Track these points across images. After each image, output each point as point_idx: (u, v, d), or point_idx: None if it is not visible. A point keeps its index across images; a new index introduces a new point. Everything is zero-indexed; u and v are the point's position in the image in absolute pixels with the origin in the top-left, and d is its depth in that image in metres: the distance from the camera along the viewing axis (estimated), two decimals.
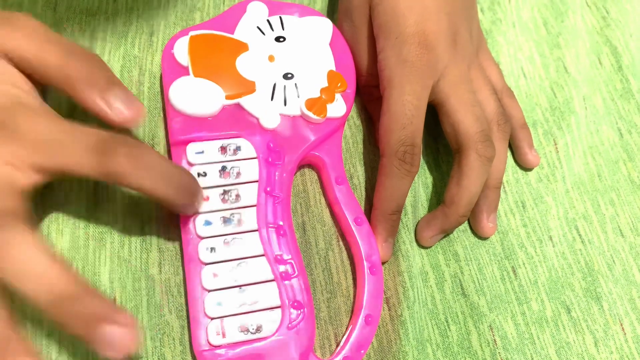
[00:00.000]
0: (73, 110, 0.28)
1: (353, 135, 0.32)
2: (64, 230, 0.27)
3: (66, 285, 0.21)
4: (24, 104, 0.24)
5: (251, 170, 0.28)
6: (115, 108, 0.24)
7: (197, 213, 0.26)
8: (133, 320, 0.21)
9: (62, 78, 0.24)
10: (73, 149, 0.22)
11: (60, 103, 0.28)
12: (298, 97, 0.29)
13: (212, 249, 0.26)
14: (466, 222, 0.33)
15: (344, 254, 0.29)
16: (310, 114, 0.29)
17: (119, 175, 0.22)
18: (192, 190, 0.24)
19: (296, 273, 0.27)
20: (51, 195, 0.27)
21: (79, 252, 0.27)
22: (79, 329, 0.21)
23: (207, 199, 0.27)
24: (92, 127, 0.23)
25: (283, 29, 0.31)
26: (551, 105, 0.38)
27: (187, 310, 0.26)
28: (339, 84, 0.30)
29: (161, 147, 0.29)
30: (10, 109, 0.23)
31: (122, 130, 0.27)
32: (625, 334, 0.32)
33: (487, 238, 0.33)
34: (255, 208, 0.27)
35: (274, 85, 0.29)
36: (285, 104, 0.29)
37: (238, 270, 0.26)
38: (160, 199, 0.23)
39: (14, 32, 0.24)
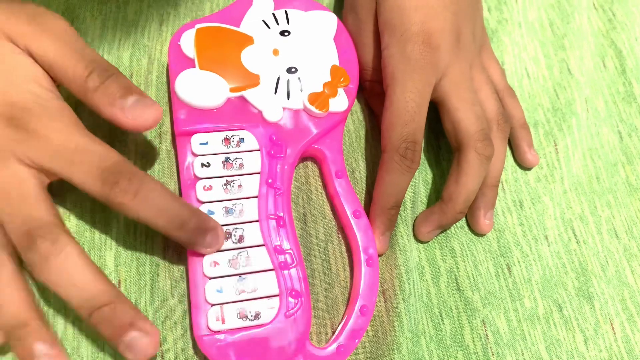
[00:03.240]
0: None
1: (356, 129, 0.33)
2: (71, 214, 0.28)
3: (104, 296, 0.23)
4: (44, 106, 0.25)
5: (254, 162, 0.28)
6: (128, 112, 0.25)
7: (200, 252, 0.26)
8: (156, 330, 0.24)
9: (80, 89, 0.25)
10: (80, 170, 0.24)
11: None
12: (301, 91, 0.30)
13: None
14: (463, 218, 0.34)
15: (343, 246, 0.30)
16: (312, 108, 0.29)
17: (118, 206, 0.24)
18: (188, 224, 0.25)
19: (295, 263, 0.27)
20: (59, 183, 0.28)
21: (85, 235, 0.27)
22: (111, 334, 0.23)
23: (210, 188, 0.27)
24: (103, 143, 0.25)
25: (288, 23, 0.31)
26: (553, 106, 0.38)
27: (189, 296, 0.27)
28: (342, 79, 0.31)
29: (167, 136, 0.30)
30: (30, 110, 0.24)
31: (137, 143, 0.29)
32: (615, 333, 0.33)
33: (484, 235, 0.34)
34: (256, 199, 0.28)
35: (278, 78, 0.30)
36: (288, 98, 0.30)
37: (238, 259, 0.27)
38: (155, 229, 0.25)
39: (41, 32, 0.25)
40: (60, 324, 0.26)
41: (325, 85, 0.30)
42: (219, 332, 0.26)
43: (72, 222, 0.28)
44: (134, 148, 0.29)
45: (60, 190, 0.28)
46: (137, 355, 0.23)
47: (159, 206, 0.24)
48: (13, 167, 0.24)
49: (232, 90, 0.29)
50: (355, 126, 0.33)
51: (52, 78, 0.26)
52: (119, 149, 0.29)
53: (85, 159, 0.24)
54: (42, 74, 0.26)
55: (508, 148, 0.36)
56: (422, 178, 0.34)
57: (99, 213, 0.28)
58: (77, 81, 0.25)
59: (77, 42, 0.26)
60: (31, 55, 0.26)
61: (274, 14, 0.31)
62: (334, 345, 0.27)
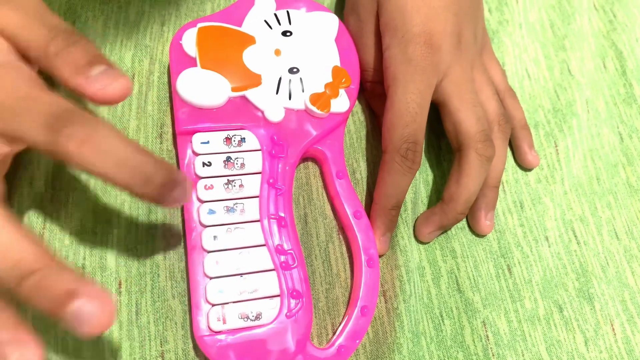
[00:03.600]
0: None
1: (357, 130, 0.33)
2: (72, 214, 0.28)
3: (31, 259, 0.19)
4: None
5: (255, 161, 0.28)
6: (96, 82, 0.22)
7: (164, 207, 0.23)
8: (105, 293, 0.19)
9: (42, 55, 0.23)
10: (24, 119, 0.21)
11: None
12: (303, 91, 0.30)
13: (215, 237, 0.27)
14: (464, 219, 0.34)
15: (344, 246, 0.30)
16: (314, 108, 0.29)
17: (66, 156, 0.20)
18: (154, 178, 0.21)
19: (296, 263, 0.27)
20: (61, 180, 0.28)
21: (87, 236, 0.27)
22: (48, 307, 0.19)
23: (212, 187, 0.27)
24: (57, 94, 0.22)
25: (290, 24, 0.31)
26: (554, 107, 0.38)
27: (189, 296, 0.27)
28: (343, 80, 0.31)
29: (169, 136, 0.30)
30: None
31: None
32: (615, 334, 0.33)
33: (484, 236, 0.34)
34: (257, 199, 0.28)
35: (280, 79, 0.30)
36: (290, 98, 0.30)
37: (239, 259, 0.27)
38: (118, 187, 0.21)
39: (5, 6, 0.23)
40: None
41: (326, 85, 0.30)
42: (220, 332, 0.26)
43: (73, 222, 0.28)
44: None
45: (63, 191, 0.28)
46: (88, 328, 0.19)
47: (117, 156, 0.20)
48: None
49: (233, 89, 0.29)
50: (356, 127, 0.33)
51: (18, 52, 0.24)
52: None
53: (31, 108, 0.21)
54: (3, 43, 0.23)
55: (509, 149, 0.36)
56: (423, 179, 0.34)
57: (101, 213, 0.28)
58: (39, 48, 0.23)
59: (40, 9, 0.23)
60: None
61: (275, 14, 0.31)
62: (335, 346, 0.27)
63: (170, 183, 0.21)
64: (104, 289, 0.20)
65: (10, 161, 0.24)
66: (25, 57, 0.24)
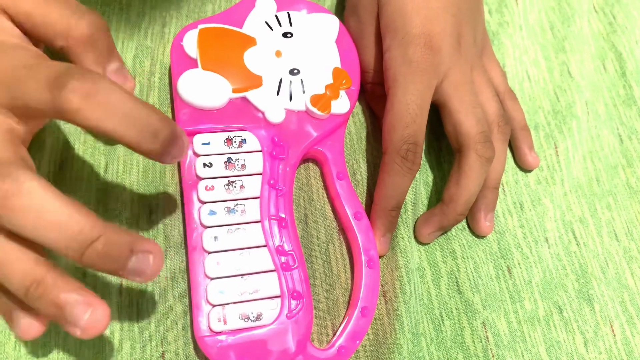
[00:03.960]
0: None
1: (358, 131, 0.33)
2: None
3: (90, 229, 0.20)
4: (6, 46, 0.23)
5: (255, 162, 0.28)
6: (110, 78, 0.23)
7: (164, 163, 0.23)
8: (157, 246, 0.21)
9: (63, 37, 0.23)
10: (28, 84, 0.20)
11: None
12: (303, 92, 0.30)
13: (216, 238, 0.27)
14: (464, 220, 0.34)
15: (344, 247, 0.30)
16: (314, 109, 0.29)
17: (70, 114, 0.20)
18: (161, 133, 0.21)
19: (296, 264, 0.27)
20: (61, 181, 0.28)
21: None
22: (112, 268, 0.21)
23: (212, 188, 0.27)
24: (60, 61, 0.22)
25: (291, 25, 0.31)
26: (554, 109, 0.38)
27: (190, 297, 0.27)
28: (344, 81, 0.31)
29: None
30: None
31: None
32: (614, 335, 0.33)
33: (484, 237, 0.34)
34: (258, 200, 0.28)
35: (280, 80, 0.30)
36: (290, 99, 0.30)
37: (240, 260, 0.27)
38: (123, 143, 0.21)
39: None
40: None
41: (327, 87, 0.30)
42: (220, 332, 0.26)
43: None
44: None
45: (63, 193, 0.28)
46: (147, 277, 0.21)
47: (123, 110, 0.20)
48: None
49: (234, 91, 0.29)
50: (357, 128, 0.33)
51: (32, 36, 0.24)
52: (120, 148, 0.29)
53: (34, 72, 0.21)
54: (9, 24, 0.24)
55: (508, 150, 0.36)
56: (423, 180, 0.35)
57: (101, 214, 0.28)
58: (59, 26, 0.23)
59: None
60: (6, 11, 0.23)
61: (276, 16, 0.31)
62: (336, 346, 0.28)
63: (174, 138, 0.21)
64: (152, 241, 0.21)
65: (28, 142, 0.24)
66: (39, 36, 0.24)
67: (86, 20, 0.24)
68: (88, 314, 0.20)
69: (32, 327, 0.22)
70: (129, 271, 0.21)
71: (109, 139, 0.21)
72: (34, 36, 0.24)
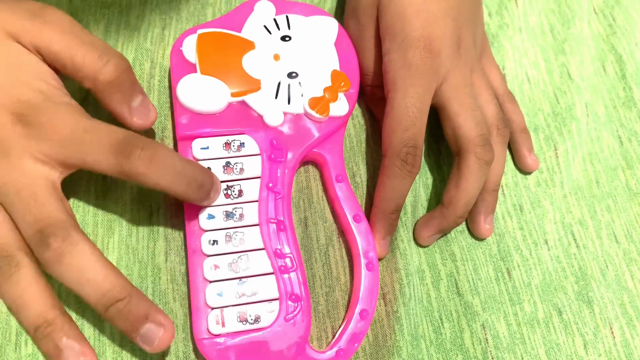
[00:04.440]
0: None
1: (357, 134, 0.33)
2: None
3: (118, 291, 0.24)
4: (52, 101, 0.25)
5: (254, 166, 0.28)
6: (134, 114, 0.26)
7: (203, 206, 0.27)
8: (170, 321, 0.24)
9: (91, 80, 0.26)
10: (93, 148, 0.24)
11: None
12: (302, 95, 0.30)
13: (214, 242, 0.27)
14: (464, 223, 0.34)
15: (344, 250, 0.30)
16: (313, 112, 0.30)
17: (136, 176, 0.24)
18: (205, 185, 0.25)
19: (295, 267, 0.28)
20: (62, 183, 0.28)
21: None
22: (126, 327, 0.24)
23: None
24: (111, 124, 0.25)
25: (289, 28, 0.32)
26: (553, 111, 0.38)
27: (190, 299, 0.27)
28: (343, 84, 0.31)
29: (170, 140, 0.30)
30: (39, 106, 0.25)
31: None
32: (614, 337, 0.33)
33: (484, 239, 0.34)
34: (257, 203, 0.28)
35: (279, 83, 0.30)
36: (289, 102, 0.30)
37: (239, 263, 0.27)
38: (175, 195, 0.25)
39: (45, 26, 0.26)
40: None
41: (325, 89, 0.30)
42: (219, 335, 0.26)
43: None
44: None
45: (64, 194, 0.28)
46: (153, 346, 0.24)
47: (176, 170, 0.24)
48: (26, 165, 0.24)
49: (233, 95, 0.29)
50: (356, 130, 0.33)
51: (60, 71, 0.26)
52: None
53: (96, 137, 0.24)
54: (49, 72, 0.26)
55: (508, 152, 0.36)
56: (423, 182, 0.35)
57: (101, 217, 0.28)
58: (87, 71, 0.25)
59: (84, 33, 0.26)
60: (38, 50, 0.26)
61: (275, 19, 0.32)
62: (334, 349, 0.28)
63: (214, 187, 0.26)
64: (168, 317, 0.25)
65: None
66: (67, 75, 0.26)
67: (112, 65, 0.26)
68: None
69: None
70: (140, 336, 0.24)
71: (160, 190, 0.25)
72: (62, 73, 0.27)
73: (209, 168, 0.27)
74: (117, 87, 0.26)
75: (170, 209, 0.29)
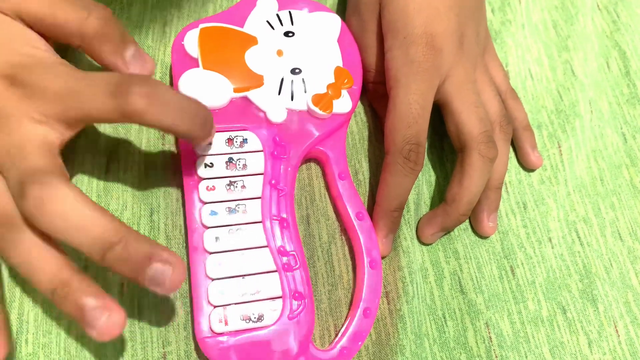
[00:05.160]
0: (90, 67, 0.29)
1: (360, 131, 0.33)
2: None
3: (111, 233, 0.22)
4: (42, 62, 0.24)
5: (257, 162, 0.28)
6: (130, 65, 0.25)
7: (203, 148, 0.27)
8: (179, 258, 0.22)
9: (77, 36, 0.25)
10: (91, 95, 0.23)
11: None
12: (305, 92, 0.30)
13: (217, 239, 0.27)
14: (467, 220, 0.34)
15: (347, 247, 0.30)
16: (316, 109, 0.29)
17: (137, 114, 0.22)
18: (209, 119, 0.24)
19: (298, 265, 0.27)
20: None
21: None
22: (130, 272, 0.22)
23: (214, 188, 0.27)
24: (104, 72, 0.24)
25: (292, 24, 0.31)
26: (557, 108, 0.38)
27: (191, 298, 0.27)
28: (346, 80, 0.31)
29: (170, 137, 0.30)
30: (29, 67, 0.24)
31: None
32: (619, 336, 0.32)
33: (487, 237, 0.33)
34: (259, 200, 0.28)
35: (282, 79, 0.30)
36: (292, 99, 0.29)
37: (241, 260, 0.27)
38: (179, 133, 0.23)
39: None
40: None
41: (329, 86, 0.30)
42: (221, 334, 0.26)
43: None
44: (137, 148, 0.29)
45: None
46: (165, 288, 0.22)
47: (178, 105, 0.23)
48: (24, 128, 0.23)
49: (235, 90, 0.29)
50: (359, 127, 0.33)
51: (48, 36, 0.26)
52: (121, 148, 0.29)
53: (90, 84, 0.23)
54: (37, 37, 0.25)
55: (511, 150, 0.36)
56: (426, 180, 0.34)
57: None
58: (71, 26, 0.25)
59: None
60: (20, 17, 0.25)
61: (278, 15, 0.31)
62: (337, 348, 0.27)
63: (212, 122, 0.25)
64: (174, 253, 0.22)
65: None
66: (54, 37, 0.25)
67: (94, 16, 0.25)
68: (105, 317, 0.22)
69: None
70: (148, 279, 0.22)
71: (165, 131, 0.24)
72: (49, 37, 0.26)
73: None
74: (105, 38, 0.25)
75: (171, 206, 0.28)
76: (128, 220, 0.28)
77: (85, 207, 0.22)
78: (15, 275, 0.26)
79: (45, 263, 0.23)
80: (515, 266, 0.33)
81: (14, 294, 0.26)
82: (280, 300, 0.27)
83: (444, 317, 0.31)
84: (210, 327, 0.26)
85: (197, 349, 0.26)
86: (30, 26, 0.25)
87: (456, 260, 0.32)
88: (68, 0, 0.25)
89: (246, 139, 0.28)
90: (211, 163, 0.28)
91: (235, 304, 0.26)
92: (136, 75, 0.23)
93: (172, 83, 0.31)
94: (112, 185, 0.28)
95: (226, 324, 0.26)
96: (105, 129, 0.29)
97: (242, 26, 0.30)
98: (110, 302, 0.22)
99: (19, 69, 0.24)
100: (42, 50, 0.25)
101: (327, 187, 0.31)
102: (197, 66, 0.29)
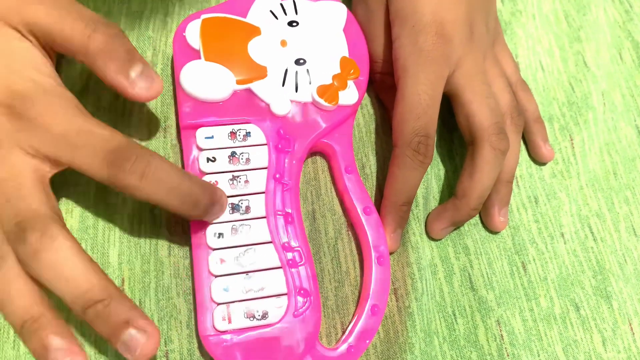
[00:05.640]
0: (89, 78, 0.29)
1: (366, 124, 0.32)
2: (73, 210, 0.27)
3: (97, 291, 0.22)
4: (45, 93, 0.24)
5: (261, 156, 0.28)
6: (135, 85, 0.24)
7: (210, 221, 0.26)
8: (156, 329, 0.22)
9: (82, 51, 0.24)
10: (85, 154, 0.23)
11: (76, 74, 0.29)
12: (310, 83, 0.29)
13: (220, 235, 0.26)
14: (477, 215, 0.33)
15: (353, 243, 0.29)
16: (321, 101, 0.29)
17: (128, 189, 0.23)
18: (202, 201, 0.24)
19: (303, 261, 0.27)
20: (62, 176, 0.27)
21: (88, 232, 0.27)
22: (106, 332, 0.22)
23: (216, 183, 0.27)
24: (107, 126, 0.24)
25: (296, 14, 0.31)
26: (569, 100, 0.37)
27: (194, 295, 0.26)
28: (352, 71, 0.30)
29: (173, 130, 0.29)
30: (31, 98, 0.24)
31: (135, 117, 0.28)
32: (634, 333, 0.32)
33: (498, 232, 0.33)
34: (263, 195, 0.27)
35: (286, 70, 0.29)
36: (296, 90, 0.29)
37: (245, 257, 0.26)
38: (169, 210, 0.24)
39: (32, 2, 0.24)
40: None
41: (334, 77, 0.29)
42: (225, 332, 0.25)
43: (74, 218, 0.27)
44: (138, 143, 0.29)
45: (63, 186, 0.27)
46: (135, 355, 0.22)
47: (169, 185, 0.23)
48: (15, 158, 0.23)
49: (238, 82, 0.28)
50: (366, 120, 0.32)
51: (56, 50, 0.25)
52: None
53: (89, 142, 0.23)
54: (42, 60, 0.25)
55: (522, 143, 0.35)
56: (435, 173, 0.34)
57: (102, 210, 0.27)
58: (79, 44, 0.24)
59: (69, 3, 0.25)
60: (28, 28, 0.25)
61: (281, 4, 0.31)
62: (344, 346, 0.27)
63: (212, 204, 0.24)
64: (153, 323, 0.23)
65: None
66: (58, 48, 0.25)
67: (100, 32, 0.24)
68: None
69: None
70: (120, 342, 0.22)
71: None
72: (55, 51, 0.26)
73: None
74: (110, 56, 0.24)
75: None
76: (128, 215, 0.27)
77: (78, 260, 0.22)
78: None
79: (21, 296, 0.23)
80: (527, 262, 0.32)
81: None
82: (285, 297, 0.26)
83: (454, 315, 0.30)
84: (214, 325, 0.25)
85: (201, 347, 0.26)
86: (40, 42, 0.25)
87: (466, 256, 0.32)
88: (75, 13, 0.25)
89: (249, 132, 0.28)
90: (213, 157, 0.27)
91: (239, 301, 0.25)
92: (134, 147, 0.23)
93: (174, 75, 0.30)
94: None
95: (230, 321, 0.25)
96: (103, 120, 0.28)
97: (245, 16, 0.30)
98: (75, 346, 0.22)
99: (19, 100, 0.24)
100: (46, 75, 0.25)
101: (334, 182, 0.30)
102: (199, 58, 0.28)
